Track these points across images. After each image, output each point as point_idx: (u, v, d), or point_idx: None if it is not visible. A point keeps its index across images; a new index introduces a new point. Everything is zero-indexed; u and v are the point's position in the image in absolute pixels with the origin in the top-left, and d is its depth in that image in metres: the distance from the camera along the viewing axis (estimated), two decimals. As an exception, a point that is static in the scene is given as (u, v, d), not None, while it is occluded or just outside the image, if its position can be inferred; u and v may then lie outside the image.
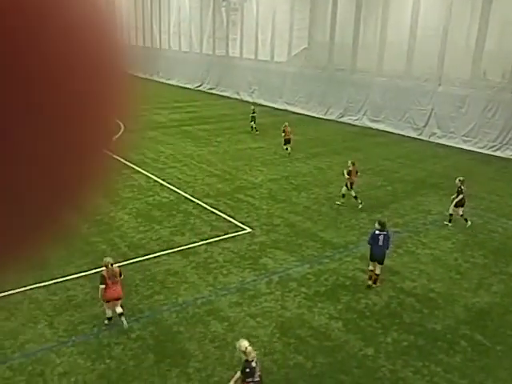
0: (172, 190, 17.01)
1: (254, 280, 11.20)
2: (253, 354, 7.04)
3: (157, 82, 46.44)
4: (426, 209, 16.17)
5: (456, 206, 14.42)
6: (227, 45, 40.15)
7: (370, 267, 10.98)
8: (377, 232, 10.74)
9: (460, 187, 14.28)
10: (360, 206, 15.63)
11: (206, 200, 16.07)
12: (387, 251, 10.98)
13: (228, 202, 16.06)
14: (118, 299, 9.08)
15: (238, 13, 38.87)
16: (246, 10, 37.75)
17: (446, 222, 14.75)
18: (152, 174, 18.53)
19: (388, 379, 8.24)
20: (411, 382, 8.19)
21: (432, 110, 26.30)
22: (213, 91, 41.20)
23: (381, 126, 28.46)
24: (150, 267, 11.57)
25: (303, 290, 10.84)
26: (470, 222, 14.48)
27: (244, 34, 38.19)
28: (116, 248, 12.44)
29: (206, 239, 13.15)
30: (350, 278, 11.48)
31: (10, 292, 9.83)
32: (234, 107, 34.03)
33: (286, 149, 21.88)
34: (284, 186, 17.92)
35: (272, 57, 35.82)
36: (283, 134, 22.09)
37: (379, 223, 10.86)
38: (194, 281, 11.05)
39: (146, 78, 48.65)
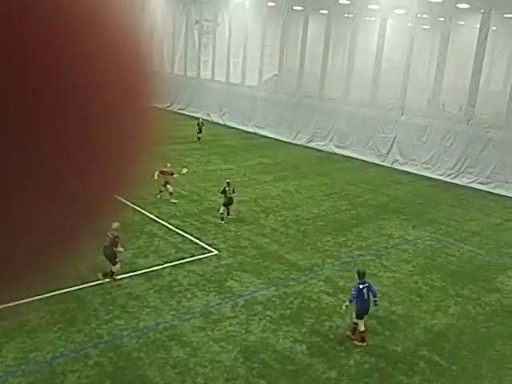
0: (136, 210, 16.69)
1: (219, 303, 11.06)
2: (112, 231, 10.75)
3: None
4: (388, 232, 16.44)
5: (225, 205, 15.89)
6: (199, 67, 40.37)
7: (354, 321, 9.88)
8: (361, 286, 9.71)
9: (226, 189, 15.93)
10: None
11: (172, 221, 15.89)
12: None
13: (195, 223, 15.92)
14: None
15: (210, 36, 39.25)
16: (219, 33, 38.19)
17: (220, 222, 15.83)
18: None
19: (350, 404, 8.20)
20: (373, 407, 8.17)
21: (395, 138, 27.05)
22: (183, 112, 41.18)
23: (346, 152, 28.97)
24: (110, 290, 11.27)
25: (268, 313, 10.76)
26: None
27: (216, 57, 38.52)
28: (75, 270, 12.08)
29: (170, 261, 12.94)
30: (315, 300, 11.48)
31: None
32: (205, 128, 34.03)
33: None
34: (252, 208, 17.91)
35: (243, 81, 36.16)
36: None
37: (358, 274, 9.95)
38: (157, 305, 10.81)
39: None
